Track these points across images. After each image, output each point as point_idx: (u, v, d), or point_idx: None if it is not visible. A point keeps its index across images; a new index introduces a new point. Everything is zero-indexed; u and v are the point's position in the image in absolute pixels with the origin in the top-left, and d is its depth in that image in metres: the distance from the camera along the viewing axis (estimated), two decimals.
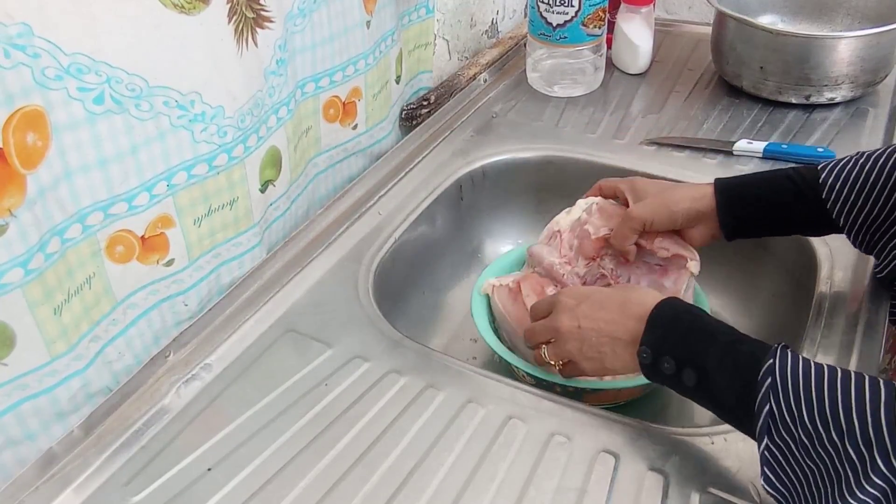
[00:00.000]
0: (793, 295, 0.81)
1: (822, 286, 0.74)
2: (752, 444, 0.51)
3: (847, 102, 1.03)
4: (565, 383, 0.68)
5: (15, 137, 0.53)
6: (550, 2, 1.03)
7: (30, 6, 0.53)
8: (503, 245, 0.99)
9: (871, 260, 0.75)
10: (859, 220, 0.66)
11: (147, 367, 0.66)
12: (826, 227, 0.68)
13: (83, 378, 0.64)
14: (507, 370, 0.72)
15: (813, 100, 1.02)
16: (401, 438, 0.60)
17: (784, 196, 0.68)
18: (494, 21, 1.30)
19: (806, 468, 0.48)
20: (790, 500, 0.50)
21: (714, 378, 0.53)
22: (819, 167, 0.68)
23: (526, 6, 1.39)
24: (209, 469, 0.58)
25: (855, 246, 0.69)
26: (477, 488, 0.56)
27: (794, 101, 1.02)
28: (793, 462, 0.49)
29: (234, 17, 0.67)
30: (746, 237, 0.71)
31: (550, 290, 0.74)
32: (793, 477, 0.49)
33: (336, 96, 0.89)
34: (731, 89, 1.08)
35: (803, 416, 0.48)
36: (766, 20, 1.14)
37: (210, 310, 0.72)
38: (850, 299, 0.72)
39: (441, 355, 0.69)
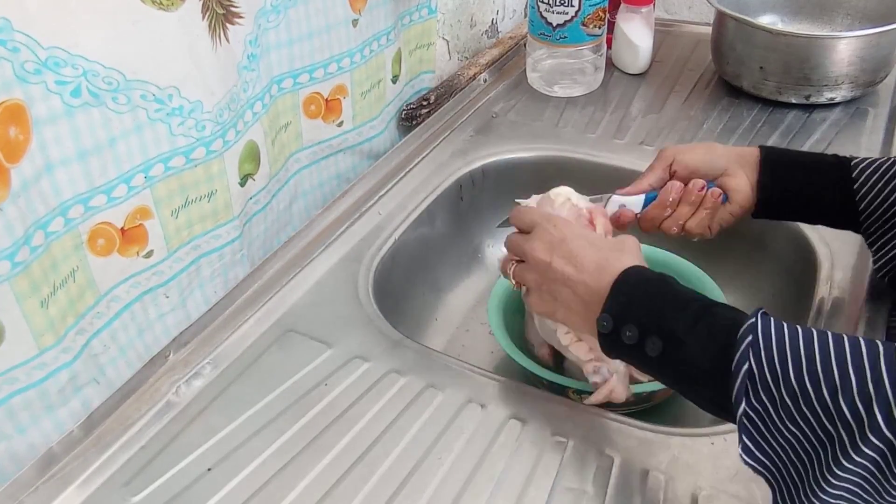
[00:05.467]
0: (793, 295, 0.81)
1: (822, 286, 0.74)
2: None
3: (847, 102, 1.03)
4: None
5: None
6: (550, 2, 1.03)
7: (9, 1, 0.53)
8: (503, 245, 0.99)
9: (872, 259, 0.75)
10: (875, 216, 0.65)
11: (147, 367, 0.66)
12: (850, 218, 0.67)
13: (71, 370, 0.64)
14: (552, 388, 0.70)
15: (813, 100, 1.02)
16: (401, 438, 0.60)
17: (825, 169, 0.67)
18: (494, 21, 1.30)
19: (788, 434, 0.43)
20: (773, 471, 0.45)
21: (685, 344, 0.48)
22: (854, 157, 0.67)
23: (526, 6, 1.39)
24: (209, 469, 0.58)
25: (866, 241, 0.68)
26: (476, 488, 0.56)
27: (793, 101, 1.02)
28: (773, 428, 0.44)
29: (207, 14, 0.68)
30: (777, 206, 0.69)
31: None
32: (774, 445, 0.44)
33: (317, 93, 0.89)
34: (731, 89, 1.08)
35: (788, 373, 0.42)
36: (766, 20, 1.14)
37: (210, 310, 0.72)
38: (851, 299, 0.72)
39: (441, 355, 0.69)
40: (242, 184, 0.79)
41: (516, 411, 0.62)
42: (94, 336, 0.68)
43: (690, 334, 0.48)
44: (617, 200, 0.73)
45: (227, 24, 0.72)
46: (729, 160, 0.69)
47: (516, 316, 0.81)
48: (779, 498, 0.45)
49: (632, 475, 0.57)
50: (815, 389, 0.42)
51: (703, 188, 0.69)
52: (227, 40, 0.72)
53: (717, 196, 0.69)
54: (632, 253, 0.57)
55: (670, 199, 0.70)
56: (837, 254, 0.77)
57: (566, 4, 1.02)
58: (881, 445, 0.40)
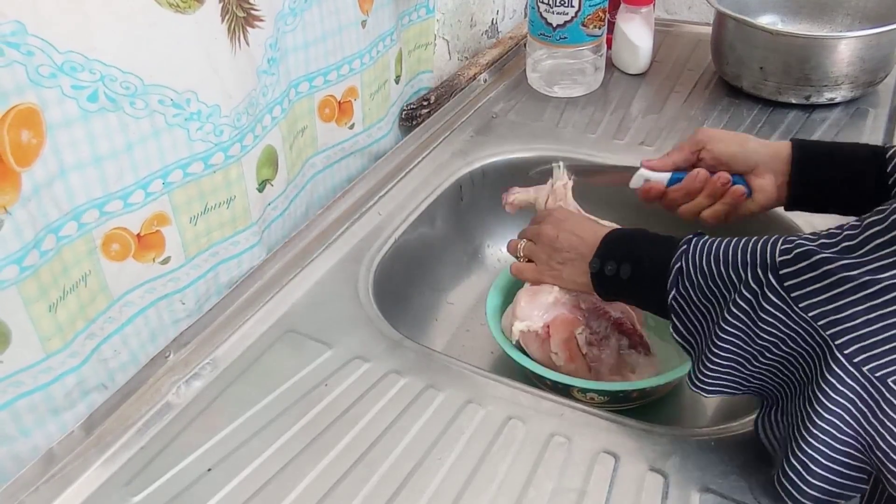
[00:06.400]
0: None
1: None
2: (753, 444, 0.51)
3: (847, 102, 1.03)
4: (612, 388, 0.69)
5: (9, 135, 0.54)
6: (550, 2, 1.03)
7: (23, 4, 0.53)
8: (503, 245, 0.99)
9: None
10: None
11: (147, 367, 0.66)
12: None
13: (78, 375, 0.64)
14: (556, 388, 0.71)
15: (813, 100, 1.02)
16: (401, 439, 0.60)
17: (860, 164, 0.67)
18: (494, 21, 1.30)
19: (702, 307, 0.55)
20: (691, 343, 0.56)
21: (645, 264, 0.61)
22: (887, 149, 0.66)
23: (526, 6, 1.39)
24: (209, 469, 0.58)
25: None
26: (477, 489, 0.56)
27: (793, 101, 1.02)
28: (692, 305, 0.56)
29: (227, 17, 0.68)
30: (808, 201, 0.70)
31: (580, 331, 0.73)
32: (693, 319, 0.56)
33: (331, 96, 0.89)
34: (730, 90, 1.08)
35: (703, 261, 0.55)
36: (766, 20, 1.14)
37: (210, 310, 0.72)
38: None
39: (441, 355, 0.69)
40: (261, 189, 0.78)
41: (516, 411, 0.62)
42: (105, 341, 0.67)
43: (649, 256, 0.61)
44: (643, 175, 0.73)
45: (248, 28, 0.71)
46: (760, 159, 0.69)
47: None
48: (693, 364, 0.56)
49: (632, 475, 0.57)
50: (717, 266, 0.54)
51: (727, 182, 0.70)
52: (248, 44, 0.71)
53: (740, 194, 0.70)
54: (615, 224, 0.70)
55: (693, 188, 0.71)
56: None
57: (566, 5, 1.02)
58: (748, 295, 0.51)
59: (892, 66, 1.04)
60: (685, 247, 0.57)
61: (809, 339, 0.49)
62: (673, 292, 0.56)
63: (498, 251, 0.99)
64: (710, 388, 0.55)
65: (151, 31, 0.61)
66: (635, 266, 0.62)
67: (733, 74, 1.07)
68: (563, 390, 0.70)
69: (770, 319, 0.50)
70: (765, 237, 0.53)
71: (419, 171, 0.94)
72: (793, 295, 0.49)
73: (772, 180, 0.69)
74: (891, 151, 0.66)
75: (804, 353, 0.50)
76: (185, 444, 0.60)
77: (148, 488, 0.57)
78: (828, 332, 0.47)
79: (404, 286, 0.86)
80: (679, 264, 0.56)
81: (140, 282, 0.69)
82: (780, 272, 0.50)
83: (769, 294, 0.50)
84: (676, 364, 0.72)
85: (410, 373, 0.66)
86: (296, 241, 0.82)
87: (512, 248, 0.77)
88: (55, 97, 0.57)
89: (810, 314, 0.48)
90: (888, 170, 0.65)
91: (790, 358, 0.51)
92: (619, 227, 0.68)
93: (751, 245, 0.53)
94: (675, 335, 0.57)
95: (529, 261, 0.74)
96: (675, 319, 0.57)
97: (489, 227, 0.99)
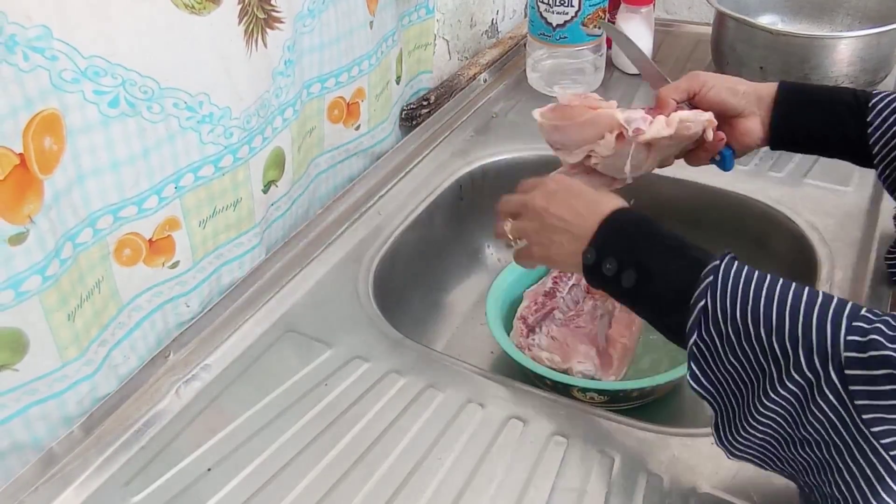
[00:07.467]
0: None
1: (822, 286, 0.74)
2: None
3: None
4: (592, 387, 0.69)
5: (34, 142, 0.53)
6: (550, 2, 1.03)
7: (48, 8, 0.52)
8: (503, 245, 0.99)
9: (872, 259, 0.75)
10: (891, 156, 0.65)
11: (147, 368, 0.66)
12: (866, 157, 0.68)
13: (92, 383, 0.63)
14: (556, 388, 0.71)
15: None
16: (401, 438, 0.60)
17: (840, 109, 0.68)
18: (494, 21, 1.30)
19: (730, 366, 0.48)
20: (715, 397, 0.50)
21: (654, 278, 0.52)
22: (874, 92, 0.67)
23: (526, 6, 1.39)
24: (209, 469, 0.58)
25: (880, 180, 0.68)
26: (476, 488, 0.56)
27: None
28: (717, 359, 0.48)
29: (245, 18, 0.67)
30: (791, 144, 0.71)
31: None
32: (718, 374, 0.49)
33: (341, 97, 0.89)
34: None
35: (735, 312, 0.47)
36: (766, 20, 1.14)
37: (210, 310, 0.72)
38: (850, 299, 0.72)
39: (441, 355, 0.69)
40: (265, 191, 0.78)
41: (516, 411, 0.62)
42: (115, 346, 0.67)
43: (661, 270, 0.53)
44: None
45: (267, 29, 0.71)
46: (748, 102, 0.70)
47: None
48: (719, 421, 0.50)
49: (632, 475, 0.57)
50: (755, 328, 0.46)
51: (722, 140, 0.70)
52: (265, 45, 0.71)
53: (720, 140, 0.70)
54: (619, 198, 0.60)
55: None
56: (837, 254, 0.77)
57: (566, 4, 1.02)
58: (801, 381, 0.44)
59: (892, 66, 1.04)
60: (711, 278, 0.49)
61: (863, 455, 0.42)
62: (695, 337, 0.48)
63: (498, 251, 0.99)
64: (739, 454, 0.49)
65: (167, 33, 0.61)
66: (642, 278, 0.53)
67: (733, 74, 1.06)
68: (563, 390, 0.70)
69: (822, 417, 0.43)
70: (823, 297, 0.46)
71: (419, 171, 0.94)
72: (857, 403, 0.42)
73: (757, 122, 0.70)
74: (873, 100, 0.66)
75: (854, 466, 0.43)
76: (185, 444, 0.60)
77: (148, 488, 0.57)
78: (893, 453, 0.41)
79: (404, 286, 0.86)
80: (703, 302, 0.48)
81: (148, 286, 0.69)
82: (846, 372, 0.42)
83: (826, 391, 0.43)
84: (675, 364, 0.72)
85: (410, 373, 0.66)
86: (296, 241, 0.82)
87: (500, 233, 0.67)
88: (76, 102, 0.56)
89: (873, 429, 0.41)
90: (868, 117, 0.66)
91: (836, 464, 0.44)
92: (619, 204, 0.58)
93: (803, 309, 0.45)
94: (692, 382, 0.50)
95: (517, 241, 0.66)
96: (693, 366, 0.49)
97: (489, 227, 0.98)
